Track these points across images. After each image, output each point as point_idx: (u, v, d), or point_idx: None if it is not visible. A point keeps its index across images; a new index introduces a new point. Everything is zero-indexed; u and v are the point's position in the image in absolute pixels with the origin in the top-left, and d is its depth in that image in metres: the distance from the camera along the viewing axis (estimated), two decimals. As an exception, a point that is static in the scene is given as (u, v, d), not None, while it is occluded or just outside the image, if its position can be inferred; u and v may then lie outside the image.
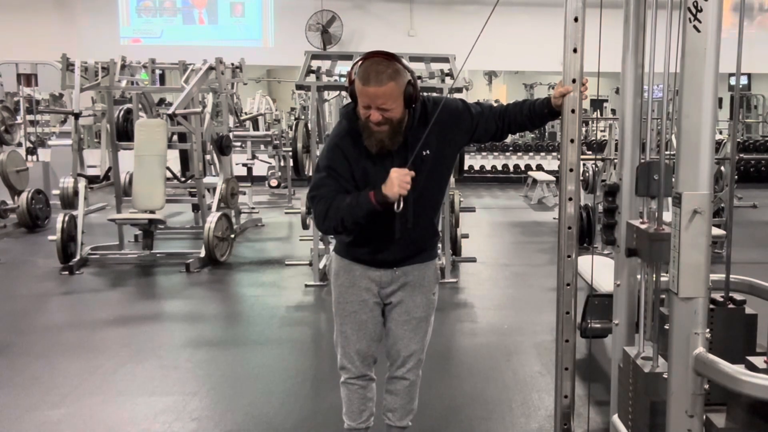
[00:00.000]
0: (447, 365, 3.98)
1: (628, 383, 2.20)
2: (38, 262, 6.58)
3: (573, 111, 2.34)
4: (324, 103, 6.88)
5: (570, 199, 2.39)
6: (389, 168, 2.30)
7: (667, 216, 1.88)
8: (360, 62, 2.25)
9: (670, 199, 1.85)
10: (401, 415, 2.61)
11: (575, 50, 2.31)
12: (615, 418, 2.43)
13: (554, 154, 13.59)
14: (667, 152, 2.13)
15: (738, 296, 2.31)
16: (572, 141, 2.35)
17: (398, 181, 2.19)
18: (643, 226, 2.13)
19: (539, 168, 13.13)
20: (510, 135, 2.61)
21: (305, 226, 6.49)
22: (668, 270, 1.84)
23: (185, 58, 7.87)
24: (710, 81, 1.74)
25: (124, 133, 7.10)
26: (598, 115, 13.56)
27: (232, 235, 6.84)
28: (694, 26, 1.72)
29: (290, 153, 7.55)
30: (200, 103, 7.80)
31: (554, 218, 8.52)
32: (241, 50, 9.98)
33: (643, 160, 2.27)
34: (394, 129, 2.27)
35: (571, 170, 2.37)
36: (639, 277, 2.29)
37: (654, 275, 2.16)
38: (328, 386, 3.40)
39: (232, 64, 8.08)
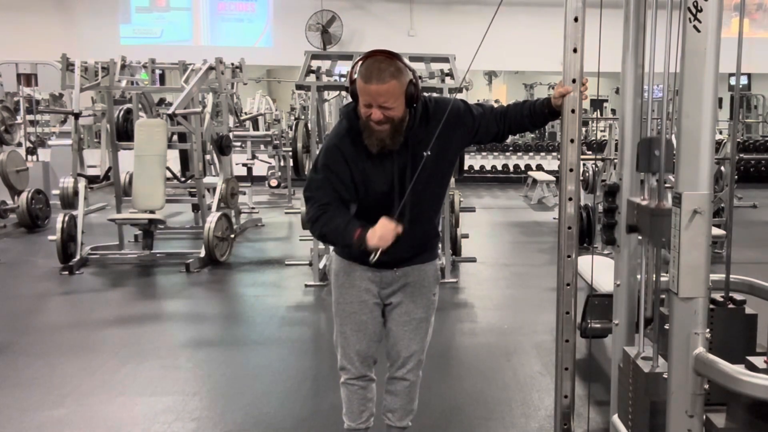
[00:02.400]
0: (447, 365, 3.98)
1: (628, 383, 2.20)
2: (38, 262, 6.58)
3: (573, 111, 2.34)
4: (324, 103, 6.88)
5: (570, 199, 2.39)
6: (389, 168, 2.30)
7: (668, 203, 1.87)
8: (361, 61, 2.24)
9: (671, 176, 1.84)
10: (401, 415, 2.61)
11: (575, 50, 2.31)
12: (615, 418, 2.43)
13: (554, 154, 13.59)
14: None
15: (738, 296, 2.31)
16: (572, 141, 2.35)
17: (381, 233, 2.20)
18: (644, 203, 2.12)
19: (539, 168, 13.14)
20: (510, 136, 2.61)
21: (305, 226, 6.48)
22: (668, 270, 1.84)
23: (185, 58, 7.86)
24: (710, 81, 1.74)
25: (124, 133, 7.10)
26: (598, 115, 13.58)
27: (232, 235, 6.84)
28: (694, 26, 1.72)
29: (290, 153, 7.55)
30: (200, 103, 7.80)
31: (554, 218, 8.52)
32: (241, 50, 9.98)
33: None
34: (396, 128, 2.26)
35: (571, 170, 2.37)
36: (639, 277, 2.29)
37: (654, 275, 2.16)
38: (328, 386, 3.40)
39: (232, 64, 8.07)
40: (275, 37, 13.49)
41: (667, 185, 2.03)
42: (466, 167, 9.69)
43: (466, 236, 6.59)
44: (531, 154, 13.97)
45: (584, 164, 8.31)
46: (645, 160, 2.13)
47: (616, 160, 6.01)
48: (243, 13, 13.60)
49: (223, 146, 7.19)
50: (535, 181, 11.19)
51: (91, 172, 7.49)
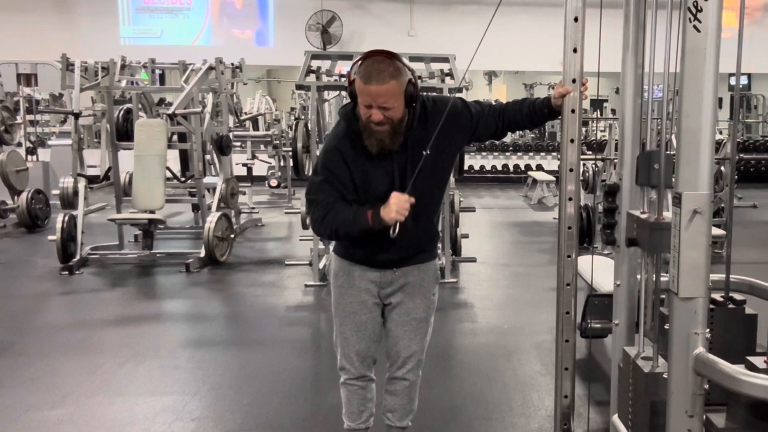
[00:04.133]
0: (447, 365, 3.98)
1: (628, 383, 2.20)
2: (38, 262, 6.58)
3: (573, 111, 2.34)
4: (324, 103, 6.88)
5: (570, 199, 2.39)
6: (389, 168, 2.30)
7: (668, 216, 1.88)
8: (360, 61, 2.24)
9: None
10: (401, 415, 2.61)
11: (575, 50, 2.31)
12: (615, 418, 2.43)
13: (554, 154, 13.58)
14: (667, 152, 2.12)
15: (738, 296, 2.31)
16: (572, 141, 2.35)
17: (397, 206, 2.19)
18: (643, 216, 2.12)
19: (539, 168, 13.13)
20: (510, 133, 2.61)
21: (305, 226, 6.48)
22: (668, 270, 1.84)
23: (185, 58, 7.86)
24: (710, 81, 1.74)
25: (124, 133, 7.10)
26: (598, 115, 13.57)
27: (232, 235, 6.83)
28: (694, 26, 1.72)
29: (290, 153, 7.55)
30: (200, 103, 7.80)
31: (554, 218, 8.51)
32: (241, 50, 9.98)
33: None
34: (395, 128, 2.26)
35: (571, 170, 2.37)
36: (639, 277, 2.29)
37: (654, 275, 2.16)
38: (328, 386, 3.40)
39: (232, 64, 8.08)
40: (275, 37, 13.49)
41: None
42: (466, 167, 9.69)
43: (466, 236, 6.59)
44: (531, 154, 13.97)
45: (584, 164, 8.31)
46: (645, 173, 2.14)
47: (616, 160, 6.01)
48: (243, 13, 13.58)
49: (223, 146, 7.19)
50: (535, 181, 11.19)
51: (91, 172, 7.49)
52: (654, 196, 2.14)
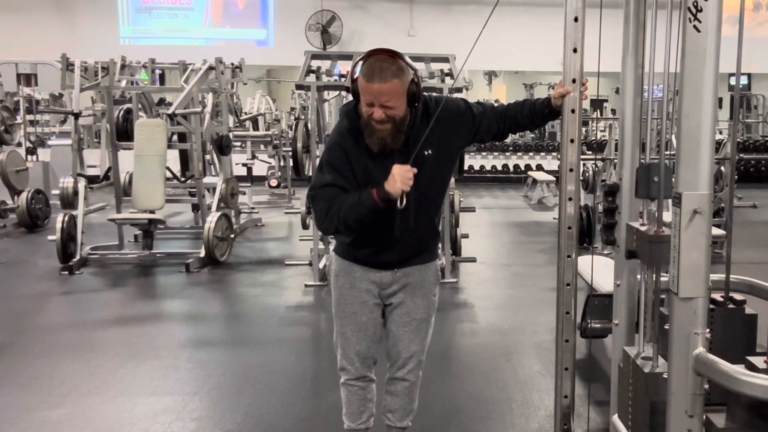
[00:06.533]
0: (447, 365, 3.98)
1: (628, 383, 2.20)
2: (38, 262, 6.58)
3: (573, 111, 2.34)
4: (324, 103, 6.88)
5: (570, 199, 2.39)
6: (390, 167, 2.29)
7: (667, 216, 1.88)
8: (363, 59, 2.23)
9: (670, 201, 1.85)
10: (401, 415, 2.61)
11: (575, 50, 2.31)
12: (615, 418, 2.43)
13: (554, 154, 13.58)
14: (667, 152, 2.13)
15: (738, 296, 2.31)
16: (572, 141, 2.35)
17: (400, 177, 2.17)
18: (642, 228, 2.13)
19: (539, 168, 13.13)
20: (510, 134, 2.61)
21: (305, 226, 6.49)
22: (668, 270, 1.84)
23: (185, 58, 7.87)
24: (710, 81, 1.74)
25: (124, 133, 7.10)
26: (598, 115, 13.56)
27: (232, 235, 6.83)
28: (694, 26, 1.72)
29: (290, 153, 7.55)
30: (200, 103, 7.80)
31: (554, 218, 8.52)
32: (241, 50, 9.98)
33: (642, 161, 2.27)
34: (397, 127, 2.25)
35: (571, 170, 2.37)
36: (639, 277, 2.29)
37: (654, 275, 2.16)
38: (328, 386, 3.40)
39: (232, 64, 8.08)
40: (275, 37, 13.49)
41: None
42: (466, 167, 9.69)
43: (466, 236, 6.59)
44: (531, 154, 13.97)
45: (584, 164, 8.31)
46: (644, 186, 2.14)
47: (616, 160, 6.01)
48: (243, 13, 13.58)
49: (223, 146, 7.19)
50: (535, 181, 11.18)
51: (91, 172, 7.49)
52: (654, 208, 2.14)
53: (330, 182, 2.30)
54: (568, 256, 2.40)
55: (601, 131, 13.96)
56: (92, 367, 3.93)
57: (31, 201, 8.02)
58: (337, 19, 12.90)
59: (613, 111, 13.09)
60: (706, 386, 1.82)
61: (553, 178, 10.47)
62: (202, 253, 6.36)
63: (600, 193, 7.01)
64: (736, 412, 1.97)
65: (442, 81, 6.15)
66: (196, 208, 7.94)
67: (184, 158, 8.04)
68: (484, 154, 13.83)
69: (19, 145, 10.42)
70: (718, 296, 2.28)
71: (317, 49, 12.15)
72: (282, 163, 10.80)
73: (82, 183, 6.63)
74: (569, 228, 2.40)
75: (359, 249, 2.43)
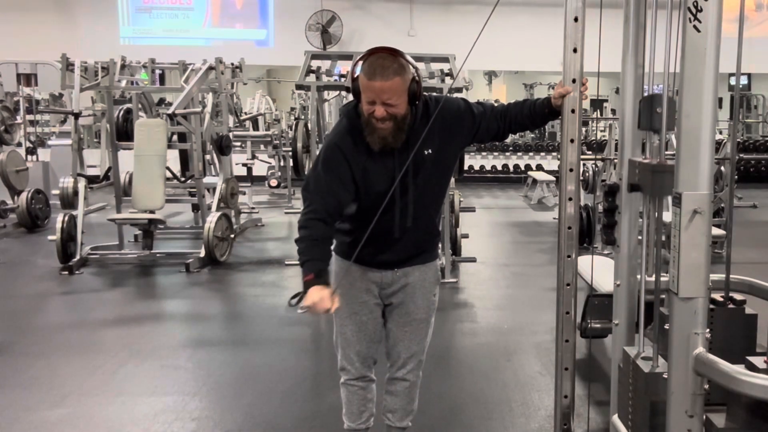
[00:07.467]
0: (447, 365, 3.98)
1: (628, 383, 2.20)
2: (38, 262, 6.58)
3: (573, 111, 2.34)
4: (324, 103, 6.89)
5: (570, 199, 2.39)
6: (390, 167, 2.29)
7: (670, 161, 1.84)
8: (364, 58, 2.22)
9: (673, 136, 1.83)
10: (401, 415, 2.61)
11: (575, 50, 2.30)
12: (615, 418, 2.43)
13: (554, 154, 13.58)
14: (668, 152, 2.13)
15: (738, 296, 2.31)
16: (572, 141, 2.35)
17: (319, 301, 2.18)
18: (645, 161, 2.12)
19: (539, 168, 13.13)
20: (510, 135, 2.61)
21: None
22: (668, 270, 1.84)
23: (185, 58, 7.87)
24: (710, 81, 1.74)
25: (124, 133, 7.10)
26: (598, 115, 13.57)
27: (232, 235, 6.83)
28: (694, 26, 1.72)
29: (290, 153, 7.55)
30: (200, 103, 7.80)
31: (554, 218, 8.52)
32: (241, 50, 9.98)
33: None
34: (398, 126, 2.24)
35: (571, 170, 2.37)
36: (639, 277, 2.29)
37: (654, 275, 2.16)
38: (328, 386, 3.40)
39: (232, 64, 8.07)
40: (275, 37, 13.50)
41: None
42: (466, 167, 9.69)
43: (466, 236, 6.59)
44: (531, 154, 13.97)
45: (584, 164, 8.31)
46: (647, 117, 2.12)
47: (616, 160, 6.01)
48: (243, 13, 13.59)
49: (223, 146, 7.19)
50: (535, 181, 11.18)
51: (91, 172, 7.49)
52: (656, 143, 2.13)
53: (323, 186, 2.28)
54: (568, 256, 2.40)
55: (601, 131, 13.96)
56: (92, 367, 3.93)
57: (31, 201, 8.02)
58: (337, 19, 12.90)
59: (613, 111, 13.10)
60: (706, 386, 1.82)
61: (553, 178, 10.46)
62: (202, 253, 6.36)
63: (600, 193, 7.01)
64: (736, 412, 1.97)
65: (442, 81, 6.15)
66: (196, 208, 7.94)
67: (184, 158, 8.03)
68: (484, 154, 13.83)
69: (19, 145, 10.42)
70: (718, 296, 2.28)
71: (317, 49, 12.15)
72: (282, 163, 10.79)
73: (82, 183, 6.63)
74: (569, 228, 2.40)
75: (359, 249, 2.43)
